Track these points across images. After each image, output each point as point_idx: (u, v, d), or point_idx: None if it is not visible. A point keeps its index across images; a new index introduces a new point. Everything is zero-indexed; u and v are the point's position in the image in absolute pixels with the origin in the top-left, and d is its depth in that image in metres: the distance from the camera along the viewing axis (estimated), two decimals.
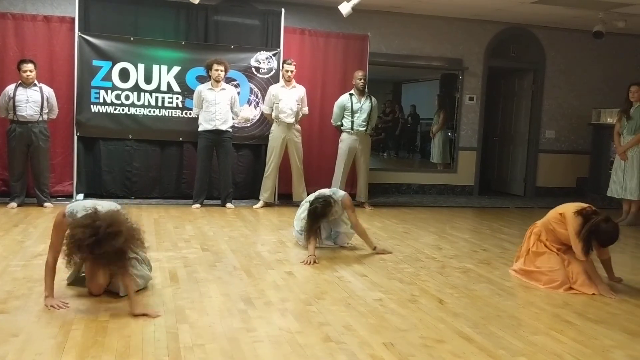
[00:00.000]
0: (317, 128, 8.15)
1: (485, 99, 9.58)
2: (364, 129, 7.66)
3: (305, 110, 7.60)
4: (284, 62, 7.45)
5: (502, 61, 9.66)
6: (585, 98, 9.81)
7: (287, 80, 7.36)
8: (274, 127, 7.43)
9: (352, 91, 7.65)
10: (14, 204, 6.63)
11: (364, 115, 7.61)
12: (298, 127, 7.50)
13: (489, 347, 3.07)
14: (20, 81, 6.62)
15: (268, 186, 7.47)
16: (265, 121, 7.69)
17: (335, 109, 7.70)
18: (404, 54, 9.03)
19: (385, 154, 14.91)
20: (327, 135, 8.16)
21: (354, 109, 7.58)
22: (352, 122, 7.59)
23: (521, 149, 10.06)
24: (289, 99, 7.33)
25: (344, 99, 7.65)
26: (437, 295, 3.96)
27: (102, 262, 3.34)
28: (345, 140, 7.68)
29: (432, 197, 9.11)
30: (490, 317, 3.56)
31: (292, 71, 7.34)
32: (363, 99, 7.63)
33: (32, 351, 2.77)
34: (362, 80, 7.61)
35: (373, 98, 7.78)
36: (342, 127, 7.71)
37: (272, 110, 7.40)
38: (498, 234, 6.35)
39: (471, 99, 9.50)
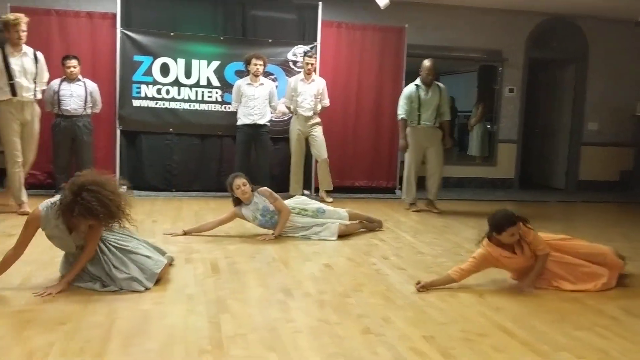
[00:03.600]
0: (353, 123, 8.14)
1: (525, 91, 9.41)
2: (432, 122, 6.97)
3: (326, 102, 7.49)
4: (304, 54, 7.38)
5: (544, 52, 9.47)
6: (629, 89, 9.54)
7: (307, 74, 7.29)
8: (292, 120, 7.44)
9: (417, 81, 7.01)
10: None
11: (432, 108, 6.92)
12: (317, 119, 7.42)
13: (532, 342, 3.03)
14: (64, 76, 6.78)
15: (293, 181, 7.47)
16: None
17: (401, 100, 7.03)
18: (441, 45, 8.92)
19: None
20: (363, 129, 8.14)
21: (421, 102, 6.92)
22: (419, 116, 6.96)
23: (563, 142, 9.86)
24: (307, 93, 7.29)
25: (410, 90, 7.02)
26: (478, 290, 3.92)
27: (87, 210, 3.29)
28: (411, 136, 7.00)
29: (471, 191, 9.01)
30: (532, 312, 3.51)
31: (312, 64, 7.25)
32: (431, 90, 6.97)
33: (79, 339, 2.84)
34: (430, 74, 6.91)
35: (442, 86, 7.07)
36: (408, 122, 7.00)
37: (292, 103, 7.37)
38: (539, 229, 6.22)
39: (511, 90, 9.35)
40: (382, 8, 7.26)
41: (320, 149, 7.40)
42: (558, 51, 9.62)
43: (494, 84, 9.55)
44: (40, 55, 5.83)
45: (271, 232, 5.19)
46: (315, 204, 5.49)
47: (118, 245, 3.68)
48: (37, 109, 5.85)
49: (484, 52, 9.23)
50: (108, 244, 3.65)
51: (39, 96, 5.82)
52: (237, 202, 5.23)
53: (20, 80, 5.54)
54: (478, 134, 10.45)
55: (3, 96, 5.47)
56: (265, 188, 5.33)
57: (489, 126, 10.17)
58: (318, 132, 7.39)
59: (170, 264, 4.05)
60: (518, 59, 9.27)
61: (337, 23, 8.06)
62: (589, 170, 9.66)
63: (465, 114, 11.79)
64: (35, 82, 5.70)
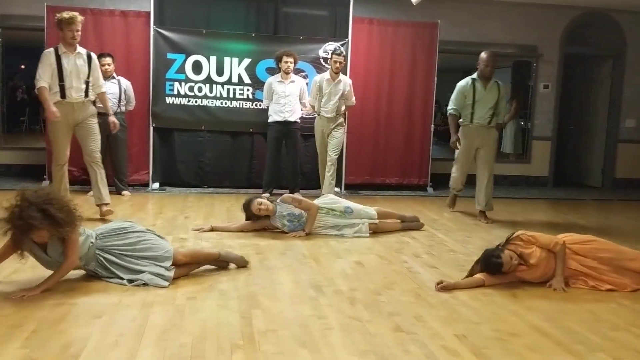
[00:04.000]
0: (384, 120, 8.10)
1: (561, 87, 9.24)
2: (487, 122, 6.27)
3: (351, 102, 7.25)
4: (333, 51, 7.04)
5: (579, 47, 9.28)
6: None
7: (335, 73, 6.98)
8: (316, 120, 7.28)
9: (474, 75, 6.29)
10: None
11: (488, 106, 6.21)
12: (340, 120, 7.18)
13: (566, 342, 2.98)
14: None
15: (322, 180, 7.32)
16: None
17: (453, 94, 6.33)
18: (474, 41, 8.80)
19: None
20: (395, 126, 8.10)
21: (475, 98, 6.21)
22: (472, 114, 6.25)
23: (599, 139, 9.65)
24: (331, 94, 7.04)
25: (465, 83, 6.31)
26: (510, 289, 3.86)
27: (34, 229, 3.29)
28: (462, 135, 6.33)
29: (505, 188, 8.88)
30: (566, 312, 3.45)
31: (341, 62, 6.90)
32: (489, 87, 6.25)
33: (115, 332, 2.89)
34: (488, 66, 6.17)
35: (500, 84, 6.39)
36: (460, 120, 6.35)
37: (316, 102, 7.16)
38: (574, 227, 6.12)
39: (546, 87, 9.19)
40: (414, 4, 7.20)
41: (332, 149, 7.13)
42: (594, 46, 9.42)
43: (529, 80, 9.39)
44: (93, 55, 5.69)
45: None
46: (343, 203, 5.47)
47: (122, 250, 3.67)
48: (92, 109, 5.66)
49: (518, 48, 9.09)
50: (113, 253, 3.65)
51: (92, 97, 5.66)
52: (267, 217, 5.27)
53: (70, 81, 5.42)
54: (512, 131, 10.31)
55: (54, 97, 5.41)
56: (286, 195, 5.38)
57: (522, 123, 10.01)
58: (338, 133, 7.17)
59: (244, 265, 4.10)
60: (553, 55, 9.10)
61: (369, 19, 8.02)
62: (625, 168, 9.44)
63: None
64: (87, 83, 5.52)
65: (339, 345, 2.85)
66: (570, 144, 10.15)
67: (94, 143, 5.63)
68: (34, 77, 5.39)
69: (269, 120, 7.29)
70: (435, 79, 8.13)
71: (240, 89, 7.66)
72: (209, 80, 7.55)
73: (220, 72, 7.58)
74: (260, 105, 7.59)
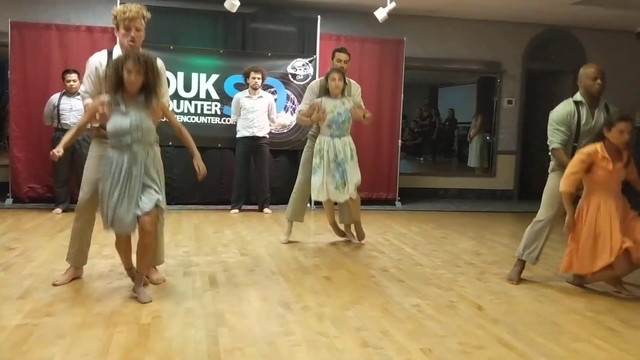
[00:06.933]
0: (353, 136, 8.07)
1: (524, 102, 9.44)
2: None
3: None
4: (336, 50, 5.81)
5: (542, 64, 9.51)
6: (628, 100, 9.55)
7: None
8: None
9: (578, 96, 4.48)
10: (58, 210, 6.83)
11: (591, 138, 4.29)
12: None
13: (530, 354, 3.03)
14: (64, 90, 6.82)
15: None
16: (301, 127, 7.72)
17: (555, 124, 4.45)
18: (440, 57, 8.98)
19: (422, 159, 14.84)
20: (363, 141, 8.10)
21: (581, 127, 4.40)
22: (574, 148, 4.42)
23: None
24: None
25: (569, 110, 4.45)
26: (476, 302, 3.92)
27: (137, 67, 3.55)
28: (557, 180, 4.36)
29: (471, 202, 9.02)
30: (531, 324, 3.51)
31: (345, 61, 5.67)
32: (597, 112, 4.43)
33: (78, 353, 2.84)
34: (599, 83, 4.35)
35: (612, 107, 4.50)
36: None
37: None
38: None
39: (510, 102, 9.39)
40: (380, 21, 7.30)
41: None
42: (556, 62, 9.67)
43: (493, 96, 9.58)
44: (160, 62, 4.33)
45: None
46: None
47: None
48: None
49: (482, 64, 9.28)
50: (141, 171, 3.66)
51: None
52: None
53: None
54: (477, 145, 10.48)
55: None
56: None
57: (488, 137, 10.19)
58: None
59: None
60: (516, 71, 9.32)
61: (336, 36, 8.10)
62: None
63: (465, 126, 11.84)
64: None
65: None
66: (534, 158, 10.35)
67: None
68: None
69: (237, 136, 7.29)
70: (402, 94, 8.24)
71: (208, 105, 7.64)
72: (176, 96, 7.51)
73: (187, 87, 7.55)
74: (228, 120, 7.58)
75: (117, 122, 3.60)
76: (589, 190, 4.20)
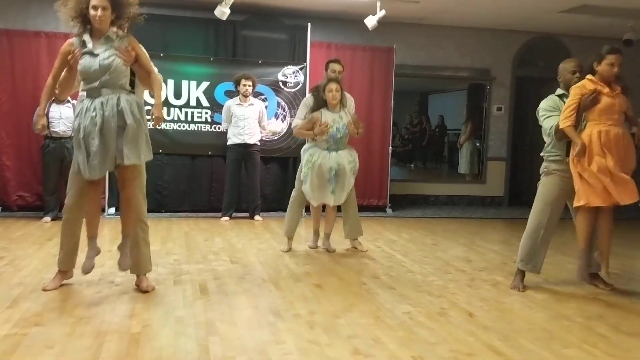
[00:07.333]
0: None
1: (514, 109, 9.50)
2: None
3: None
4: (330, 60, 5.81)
5: (531, 71, 9.58)
6: None
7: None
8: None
9: (559, 91, 4.68)
10: (47, 218, 6.78)
11: None
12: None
13: None
14: (53, 98, 6.77)
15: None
16: (292, 135, 7.72)
17: (548, 110, 4.61)
18: (430, 65, 9.02)
19: (412, 165, 14.89)
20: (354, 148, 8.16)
21: None
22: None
23: None
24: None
25: (554, 100, 4.65)
26: (467, 308, 3.93)
27: None
28: (557, 180, 4.49)
29: (461, 209, 9.05)
30: (521, 330, 3.52)
31: (339, 72, 5.66)
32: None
33: None
34: (578, 77, 4.47)
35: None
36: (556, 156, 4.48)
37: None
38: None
39: (499, 109, 9.45)
40: (370, 29, 7.34)
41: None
42: (545, 70, 9.72)
43: (483, 102, 9.64)
44: None
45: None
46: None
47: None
48: None
49: (472, 71, 9.34)
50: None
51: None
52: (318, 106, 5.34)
53: None
54: (467, 152, 10.53)
55: None
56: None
57: (478, 144, 10.23)
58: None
59: None
60: (505, 78, 9.38)
61: (327, 44, 8.13)
62: None
63: (455, 132, 11.89)
64: None
65: None
66: (524, 164, 10.41)
67: None
68: None
69: (228, 143, 7.29)
70: (392, 101, 8.27)
71: (198, 112, 7.63)
72: (166, 103, 7.49)
73: (178, 95, 7.55)
74: (219, 128, 7.58)
75: (86, 63, 3.54)
76: (592, 122, 4.17)
